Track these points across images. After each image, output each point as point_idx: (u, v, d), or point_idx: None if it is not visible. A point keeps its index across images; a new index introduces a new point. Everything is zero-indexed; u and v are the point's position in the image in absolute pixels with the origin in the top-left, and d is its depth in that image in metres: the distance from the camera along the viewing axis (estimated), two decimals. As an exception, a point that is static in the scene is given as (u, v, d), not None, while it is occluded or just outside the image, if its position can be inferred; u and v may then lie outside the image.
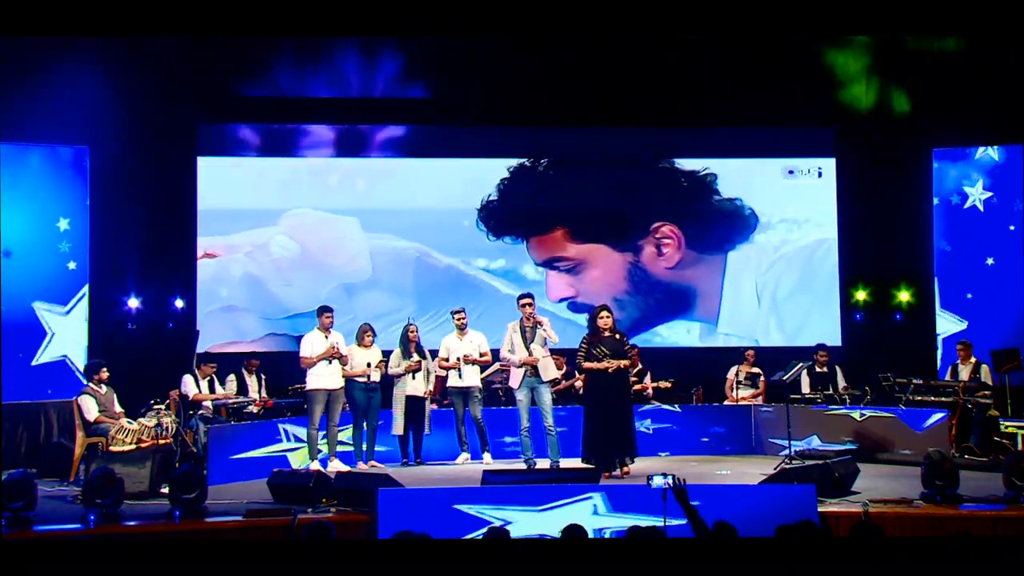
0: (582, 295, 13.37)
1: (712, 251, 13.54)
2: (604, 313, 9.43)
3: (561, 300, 13.40)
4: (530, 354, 9.66)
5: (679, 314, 13.52)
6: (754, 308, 13.50)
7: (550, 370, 9.79)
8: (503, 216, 13.37)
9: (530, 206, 13.41)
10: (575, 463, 9.63)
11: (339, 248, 13.12)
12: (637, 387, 11.33)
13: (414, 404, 10.45)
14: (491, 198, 13.37)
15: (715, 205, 13.58)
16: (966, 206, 12.85)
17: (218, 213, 12.84)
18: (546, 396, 9.72)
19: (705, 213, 13.54)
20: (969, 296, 12.78)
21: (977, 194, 12.80)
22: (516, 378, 9.79)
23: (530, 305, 9.80)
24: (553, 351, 10.08)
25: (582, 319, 12.70)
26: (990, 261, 12.67)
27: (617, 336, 9.41)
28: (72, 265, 11.56)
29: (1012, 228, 12.54)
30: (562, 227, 13.43)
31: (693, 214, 13.53)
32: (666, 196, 13.56)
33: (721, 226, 13.56)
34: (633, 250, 13.48)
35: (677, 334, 13.52)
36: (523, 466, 9.68)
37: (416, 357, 10.47)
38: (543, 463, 9.72)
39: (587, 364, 9.35)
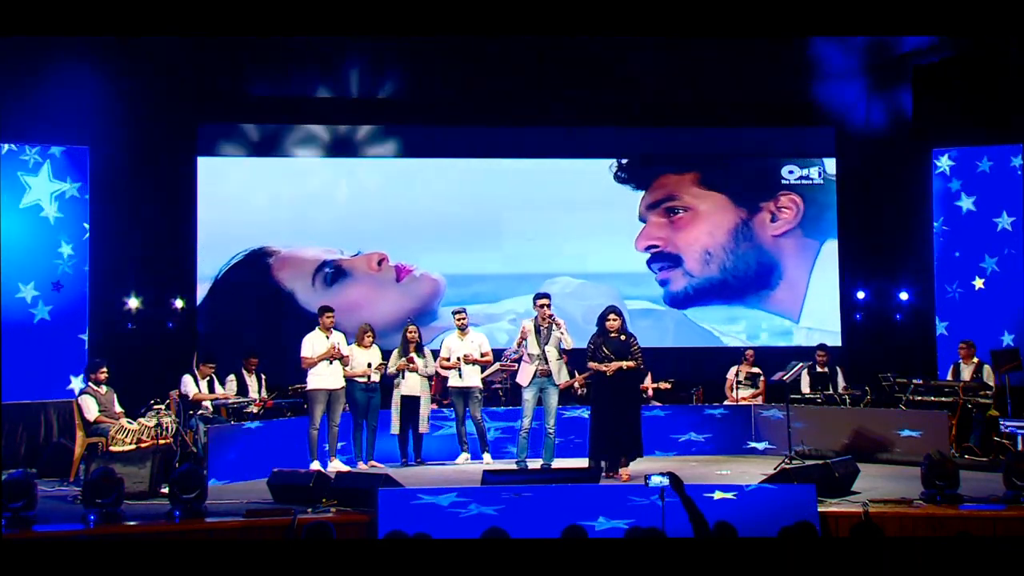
0: (670, 245, 13.50)
1: (815, 235, 13.62)
2: (612, 315, 9.34)
3: (645, 249, 13.48)
4: (543, 354, 9.63)
5: (759, 290, 13.57)
6: (834, 302, 13.60)
7: (562, 373, 9.76)
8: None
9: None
10: (572, 463, 9.64)
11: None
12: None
13: (409, 403, 10.45)
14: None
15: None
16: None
17: (462, 278, 13.15)
18: (553, 399, 9.68)
19: (820, 196, 13.68)
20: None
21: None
22: (526, 375, 9.71)
23: (547, 306, 9.68)
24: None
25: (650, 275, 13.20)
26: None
27: (623, 337, 9.31)
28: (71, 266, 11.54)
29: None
30: (695, 171, 13.57)
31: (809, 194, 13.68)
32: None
33: (831, 209, 13.65)
34: (750, 209, 13.59)
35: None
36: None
37: (411, 355, 10.44)
38: (534, 463, 9.70)
39: (591, 365, 9.34)
